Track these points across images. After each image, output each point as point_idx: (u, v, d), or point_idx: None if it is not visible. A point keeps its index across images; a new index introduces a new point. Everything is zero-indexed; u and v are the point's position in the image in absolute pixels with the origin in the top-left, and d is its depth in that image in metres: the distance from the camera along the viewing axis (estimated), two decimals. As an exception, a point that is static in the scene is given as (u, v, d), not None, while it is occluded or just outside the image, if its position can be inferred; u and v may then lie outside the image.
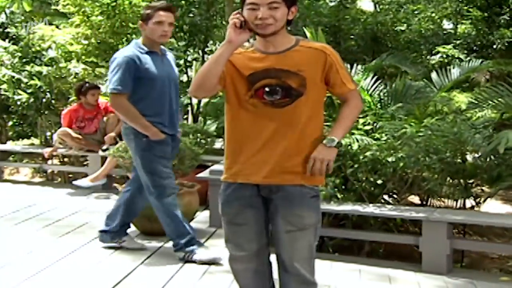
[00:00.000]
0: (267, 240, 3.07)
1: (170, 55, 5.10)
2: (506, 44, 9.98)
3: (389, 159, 5.34)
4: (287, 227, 2.92)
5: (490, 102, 5.90)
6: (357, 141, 5.62)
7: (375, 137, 5.70)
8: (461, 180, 5.67)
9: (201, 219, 6.33)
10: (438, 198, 6.30)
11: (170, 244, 5.28)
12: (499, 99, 5.80)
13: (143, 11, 4.89)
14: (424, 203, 6.37)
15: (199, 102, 11.59)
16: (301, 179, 2.92)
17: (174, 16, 4.84)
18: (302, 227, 2.92)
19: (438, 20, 11.59)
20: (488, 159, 5.56)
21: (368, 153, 5.46)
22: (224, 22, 11.01)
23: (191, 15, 11.15)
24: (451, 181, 5.75)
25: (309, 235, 2.95)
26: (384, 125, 5.86)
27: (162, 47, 4.98)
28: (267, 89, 2.88)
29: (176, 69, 5.08)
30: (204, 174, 6.21)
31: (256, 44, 2.99)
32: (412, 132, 5.33)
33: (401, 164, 5.35)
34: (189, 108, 11.99)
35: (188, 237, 4.93)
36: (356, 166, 5.54)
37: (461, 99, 8.88)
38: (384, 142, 5.56)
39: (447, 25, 11.96)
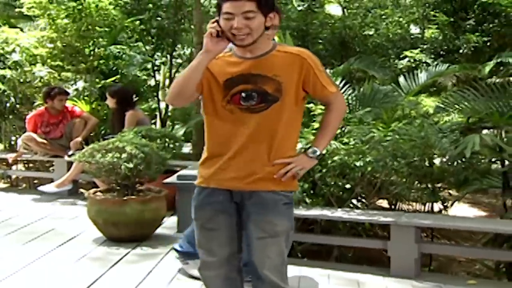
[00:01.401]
0: (239, 247, 3.04)
1: None
2: (472, 48, 10.07)
3: (358, 164, 5.33)
4: (259, 234, 2.89)
5: (457, 106, 5.93)
6: (326, 145, 5.58)
7: (344, 142, 5.69)
8: (429, 184, 5.68)
9: (169, 224, 6.27)
10: (406, 202, 6.31)
11: (137, 250, 5.21)
12: (465, 103, 5.83)
13: None
14: (393, 207, 6.38)
15: (167, 106, 11.52)
16: (274, 185, 2.90)
17: None
18: (274, 234, 2.89)
19: (405, 25, 11.69)
20: (455, 163, 5.58)
21: (336, 158, 5.43)
22: (192, 26, 10.97)
23: (158, 18, 11.09)
24: (419, 185, 5.75)
25: (281, 242, 2.92)
26: (352, 130, 5.85)
27: None
28: (243, 94, 2.86)
29: None
30: (172, 179, 6.14)
31: (234, 48, 2.96)
32: (380, 136, 5.33)
33: (369, 168, 5.34)
34: (157, 113, 11.94)
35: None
36: (324, 170, 5.51)
37: (428, 103, 8.92)
38: (352, 146, 5.54)
39: (414, 29, 12.04)
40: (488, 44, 10.36)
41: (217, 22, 2.82)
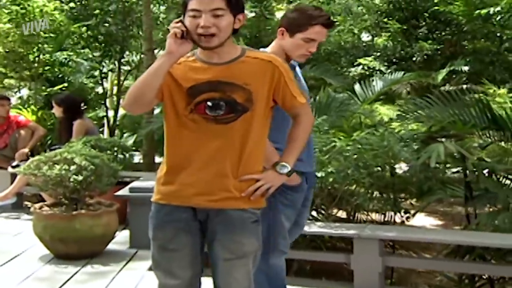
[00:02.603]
0: (201, 267, 2.82)
1: (298, 68, 3.57)
2: (425, 56, 10.08)
3: (319, 174, 5.15)
4: (226, 255, 2.68)
5: (420, 114, 5.80)
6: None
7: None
8: (391, 194, 5.55)
9: (120, 239, 5.96)
10: (365, 213, 6.17)
11: (88, 268, 4.93)
12: (427, 112, 5.71)
13: (291, 14, 3.34)
14: (351, 218, 6.23)
15: (116, 114, 11.22)
16: (242, 203, 2.68)
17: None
18: (241, 255, 2.68)
19: (357, 32, 11.64)
20: (417, 173, 5.46)
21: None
22: (141, 33, 10.72)
23: (106, 24, 10.77)
24: (380, 195, 5.62)
25: (248, 262, 2.72)
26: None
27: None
28: (209, 103, 2.63)
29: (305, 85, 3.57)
30: (124, 192, 5.87)
31: (198, 53, 2.75)
32: (342, 146, 5.17)
33: (331, 179, 5.18)
34: (105, 121, 11.61)
35: None
36: (283, 182, 5.33)
37: (383, 111, 8.85)
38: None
39: (366, 37, 12.02)
40: (440, 52, 10.40)
41: (181, 22, 2.62)
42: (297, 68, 3.53)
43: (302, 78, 3.53)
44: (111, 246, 5.65)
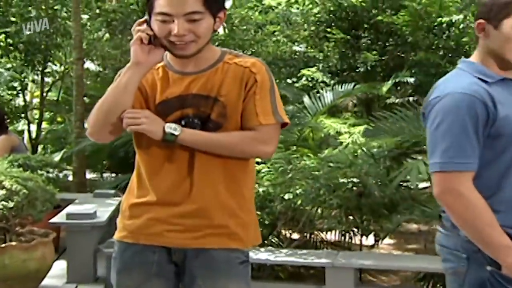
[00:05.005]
0: None
1: None
2: (369, 68, 9.79)
3: (286, 196, 4.64)
4: None
5: (387, 128, 5.35)
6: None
7: (266, 169, 4.98)
8: (362, 217, 5.09)
9: (56, 272, 5.23)
10: (323, 234, 5.69)
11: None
12: (397, 126, 5.27)
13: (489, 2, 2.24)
14: (306, 239, 5.70)
15: (38, 128, 10.45)
16: (229, 240, 2.21)
17: None
18: None
19: (295, 43, 11.28)
20: (390, 192, 4.99)
21: (260, 189, 4.72)
22: (65, 41, 9.98)
23: (28, 32, 9.99)
24: (349, 217, 5.15)
25: None
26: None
27: None
28: (183, 122, 2.16)
29: None
30: (60, 218, 5.19)
31: (169, 58, 2.23)
32: (313, 165, 4.66)
33: (299, 202, 4.66)
34: (25, 136, 10.79)
35: None
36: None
37: (329, 124, 8.46)
38: (276, 176, 4.86)
39: (304, 48, 11.65)
40: (384, 63, 10.13)
41: (147, 23, 2.11)
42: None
43: None
44: (46, 280, 4.94)
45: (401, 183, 5.12)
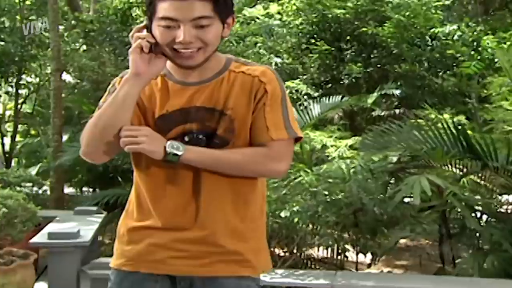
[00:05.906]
0: None
1: None
2: (354, 80, 9.65)
3: (283, 214, 4.41)
4: None
5: (384, 141, 5.13)
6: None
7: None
8: (359, 235, 4.88)
9: (37, 296, 4.94)
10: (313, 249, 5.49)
11: None
12: (395, 139, 5.06)
13: None
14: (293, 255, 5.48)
15: (12, 141, 10.18)
16: (240, 267, 2.01)
17: None
18: None
19: (279, 54, 11.10)
20: (390, 209, 4.78)
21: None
22: (41, 53, 9.74)
23: (1, 43, 9.79)
24: (345, 235, 4.95)
25: None
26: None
27: None
28: (186, 139, 1.94)
29: None
30: (41, 238, 4.87)
31: (169, 68, 2.00)
32: (311, 181, 4.43)
33: (296, 219, 4.44)
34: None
35: None
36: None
37: (314, 137, 8.26)
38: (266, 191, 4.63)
39: (287, 59, 11.48)
40: (368, 75, 10.03)
41: (147, 30, 1.90)
42: None
43: None
44: (26, 307, 4.64)
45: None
